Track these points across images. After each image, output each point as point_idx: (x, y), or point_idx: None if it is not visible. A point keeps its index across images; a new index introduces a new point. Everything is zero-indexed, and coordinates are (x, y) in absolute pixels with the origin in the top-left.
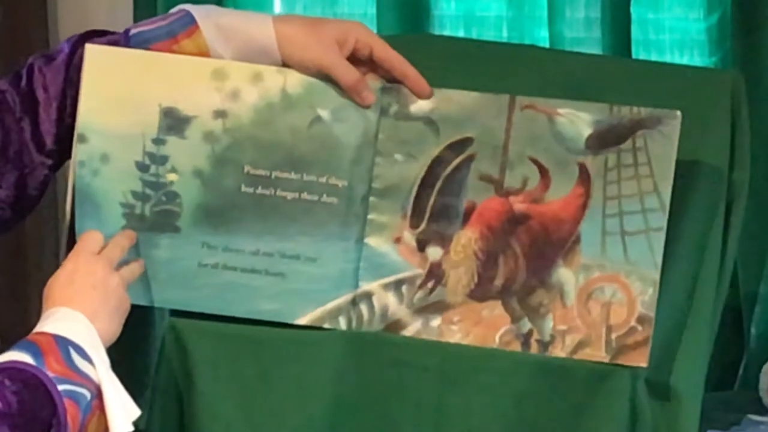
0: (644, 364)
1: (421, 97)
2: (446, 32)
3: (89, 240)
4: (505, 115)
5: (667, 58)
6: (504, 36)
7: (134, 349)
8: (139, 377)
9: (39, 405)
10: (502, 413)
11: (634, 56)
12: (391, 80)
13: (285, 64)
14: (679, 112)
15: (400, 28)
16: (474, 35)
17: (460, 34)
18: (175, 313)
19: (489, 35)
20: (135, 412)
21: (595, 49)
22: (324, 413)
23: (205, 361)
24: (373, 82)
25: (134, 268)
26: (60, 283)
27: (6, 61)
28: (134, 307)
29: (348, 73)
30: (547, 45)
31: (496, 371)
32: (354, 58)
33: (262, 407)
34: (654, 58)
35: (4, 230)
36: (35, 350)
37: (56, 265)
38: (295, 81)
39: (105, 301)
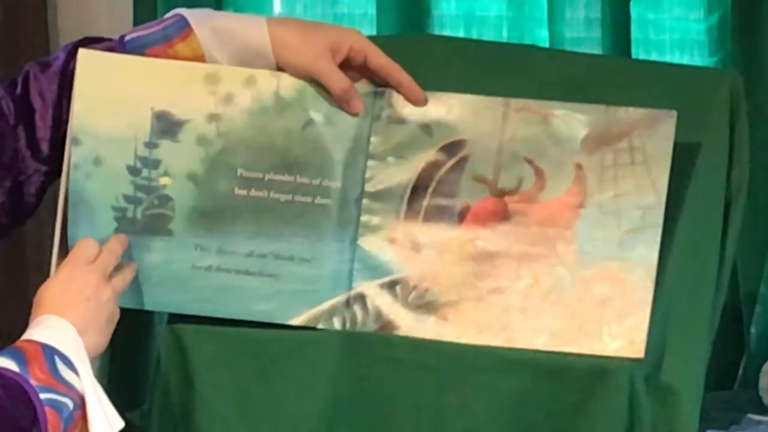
0: (641, 356)
1: (415, 104)
2: (446, 32)
3: (84, 248)
4: (500, 118)
5: (668, 58)
6: (504, 36)
7: (134, 350)
8: (139, 379)
9: (20, 412)
10: (499, 412)
11: (634, 56)
12: (385, 85)
13: (279, 68)
14: (675, 112)
15: (400, 28)
16: (474, 35)
17: (460, 34)
18: (174, 315)
19: (489, 35)
20: (118, 423)
21: (595, 49)
22: (322, 413)
23: (204, 362)
24: (366, 86)
25: (126, 276)
26: (54, 291)
27: (6, 61)
28: (134, 309)
29: (337, 81)
30: (547, 45)
31: (493, 370)
32: (348, 65)
33: (261, 407)
34: (654, 58)
35: (1, 236)
36: (20, 357)
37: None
38: (288, 84)
39: (97, 314)
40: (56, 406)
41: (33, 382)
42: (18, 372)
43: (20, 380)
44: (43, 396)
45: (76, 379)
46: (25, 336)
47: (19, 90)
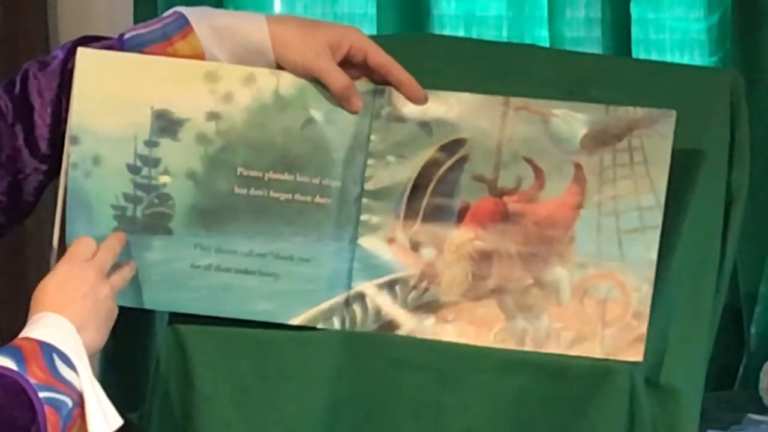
0: (640, 359)
1: (415, 102)
2: (446, 32)
3: (82, 246)
4: (499, 117)
5: (668, 58)
6: (504, 36)
7: (134, 349)
8: (139, 378)
9: (19, 411)
10: (499, 412)
11: (634, 56)
12: (385, 83)
13: (278, 66)
14: (674, 112)
15: (400, 28)
16: (474, 35)
17: (460, 34)
18: (175, 314)
19: (489, 35)
20: (116, 421)
21: (595, 49)
22: (322, 412)
23: (204, 362)
24: (365, 84)
25: (125, 274)
26: (51, 288)
27: (6, 61)
28: (134, 309)
29: (338, 79)
30: (547, 45)
31: (493, 370)
32: (348, 63)
33: (261, 407)
34: (654, 57)
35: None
36: (19, 356)
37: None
38: (287, 82)
39: (95, 311)
40: (55, 404)
41: (32, 380)
42: (16, 370)
43: (19, 379)
44: (42, 395)
45: (75, 377)
46: (23, 334)
47: (17, 89)
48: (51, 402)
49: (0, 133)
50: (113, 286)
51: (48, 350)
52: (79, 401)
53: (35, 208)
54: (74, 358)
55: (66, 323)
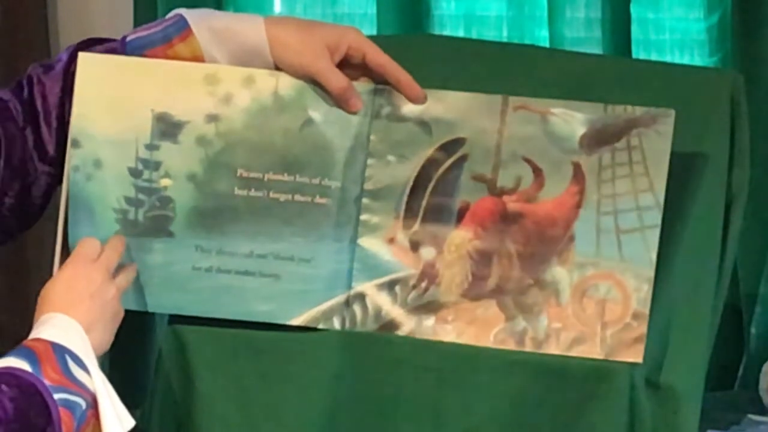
0: (639, 360)
1: (414, 102)
2: (446, 32)
3: (87, 246)
4: (498, 116)
5: (668, 58)
6: (504, 36)
7: (135, 350)
8: (140, 379)
9: (35, 413)
10: (499, 412)
11: (634, 56)
12: (384, 83)
13: (277, 67)
14: (673, 111)
15: (400, 28)
16: (474, 35)
17: (460, 34)
18: (175, 315)
19: (489, 35)
20: (129, 422)
21: (595, 49)
22: (322, 413)
23: (205, 363)
24: (365, 84)
25: (129, 275)
26: (58, 289)
27: (6, 61)
28: (134, 311)
29: (336, 80)
30: (547, 45)
31: (493, 370)
32: (347, 63)
33: (261, 408)
34: (654, 58)
35: (8, 239)
36: (33, 357)
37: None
38: (286, 84)
39: (102, 312)
40: (69, 405)
41: (46, 382)
42: (31, 372)
43: (34, 381)
44: (56, 396)
45: (88, 378)
46: (33, 335)
47: (25, 92)
48: (65, 403)
49: (13, 136)
50: (119, 287)
51: (60, 351)
52: (92, 402)
53: (44, 211)
54: (85, 359)
55: (74, 324)
